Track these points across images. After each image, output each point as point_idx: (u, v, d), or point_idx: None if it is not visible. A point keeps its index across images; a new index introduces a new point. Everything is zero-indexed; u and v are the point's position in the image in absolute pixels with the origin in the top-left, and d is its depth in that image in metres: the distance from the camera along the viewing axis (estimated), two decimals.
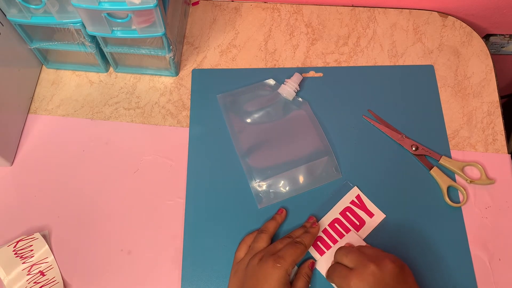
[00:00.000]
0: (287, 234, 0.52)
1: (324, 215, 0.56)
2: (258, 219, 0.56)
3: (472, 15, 0.71)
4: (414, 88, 0.64)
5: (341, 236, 0.54)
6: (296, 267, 0.52)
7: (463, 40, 0.68)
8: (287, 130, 0.60)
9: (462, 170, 0.58)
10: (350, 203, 0.56)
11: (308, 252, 0.54)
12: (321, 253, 0.54)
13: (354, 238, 0.54)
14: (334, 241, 0.54)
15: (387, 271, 0.44)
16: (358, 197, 0.57)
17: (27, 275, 0.52)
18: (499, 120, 0.62)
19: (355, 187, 0.57)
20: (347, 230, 0.55)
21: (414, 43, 0.67)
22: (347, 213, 0.56)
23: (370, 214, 0.56)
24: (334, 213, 0.56)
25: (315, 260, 0.53)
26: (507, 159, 0.60)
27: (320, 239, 0.54)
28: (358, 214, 0.56)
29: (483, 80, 0.65)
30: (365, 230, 0.55)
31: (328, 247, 0.54)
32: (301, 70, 0.64)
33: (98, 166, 0.59)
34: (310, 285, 0.51)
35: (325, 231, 0.55)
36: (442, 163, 0.58)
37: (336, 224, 0.55)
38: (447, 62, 0.66)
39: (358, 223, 0.55)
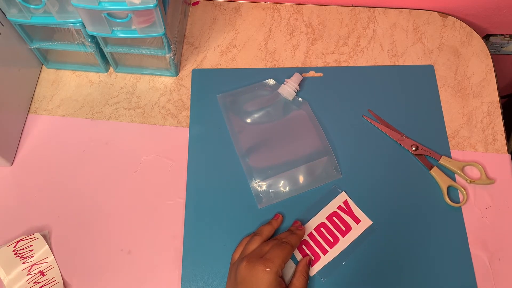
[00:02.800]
0: (273, 237, 0.52)
1: (310, 219, 0.56)
2: (258, 219, 0.55)
3: (472, 15, 0.71)
4: (414, 88, 0.64)
5: (326, 240, 0.54)
6: (293, 264, 0.52)
7: (463, 40, 0.68)
8: (287, 130, 0.60)
9: (462, 170, 0.58)
10: (337, 208, 0.56)
11: (294, 256, 0.53)
12: (306, 256, 0.53)
13: None
14: (319, 245, 0.54)
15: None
16: (345, 202, 0.56)
17: (27, 275, 0.52)
18: (499, 120, 0.62)
19: (343, 192, 0.57)
20: (333, 235, 0.55)
21: (414, 43, 0.67)
22: (334, 218, 0.56)
23: (357, 220, 0.56)
24: (320, 217, 0.56)
25: (312, 258, 0.53)
26: (507, 159, 0.60)
27: (305, 242, 0.54)
28: (344, 219, 0.56)
29: (483, 80, 0.65)
30: (351, 236, 0.55)
31: (313, 251, 0.54)
32: (301, 70, 0.64)
33: (98, 166, 0.59)
34: (308, 282, 0.51)
35: (310, 235, 0.55)
36: (442, 163, 0.58)
37: (322, 229, 0.55)
38: (447, 62, 0.66)
39: (344, 229, 0.55)
